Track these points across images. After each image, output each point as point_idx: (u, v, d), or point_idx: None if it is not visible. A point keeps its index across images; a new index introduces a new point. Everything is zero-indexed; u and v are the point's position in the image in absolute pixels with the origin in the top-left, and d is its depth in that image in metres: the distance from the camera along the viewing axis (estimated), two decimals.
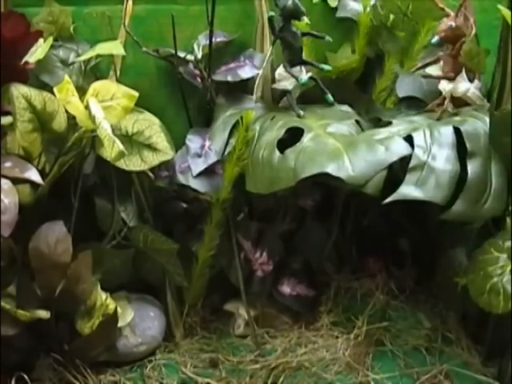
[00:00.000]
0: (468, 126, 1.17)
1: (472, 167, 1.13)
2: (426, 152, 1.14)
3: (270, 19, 1.28)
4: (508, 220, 1.12)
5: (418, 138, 1.16)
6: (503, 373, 1.21)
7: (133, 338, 1.29)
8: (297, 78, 1.28)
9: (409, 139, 1.15)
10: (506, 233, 1.12)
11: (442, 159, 1.13)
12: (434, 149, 1.14)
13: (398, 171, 1.15)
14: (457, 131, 1.16)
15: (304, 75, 1.28)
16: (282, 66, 1.30)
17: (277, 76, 1.32)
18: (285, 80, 1.30)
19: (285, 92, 1.32)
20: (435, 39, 1.25)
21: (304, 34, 1.30)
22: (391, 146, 1.14)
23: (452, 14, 1.25)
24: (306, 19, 1.26)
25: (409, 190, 1.11)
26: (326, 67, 1.31)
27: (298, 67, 1.29)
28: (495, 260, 1.09)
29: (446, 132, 1.16)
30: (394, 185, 1.13)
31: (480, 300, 1.09)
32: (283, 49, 1.29)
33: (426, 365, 1.27)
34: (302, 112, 1.28)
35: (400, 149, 1.14)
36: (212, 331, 1.39)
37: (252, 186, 1.24)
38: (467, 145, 1.15)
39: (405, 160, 1.14)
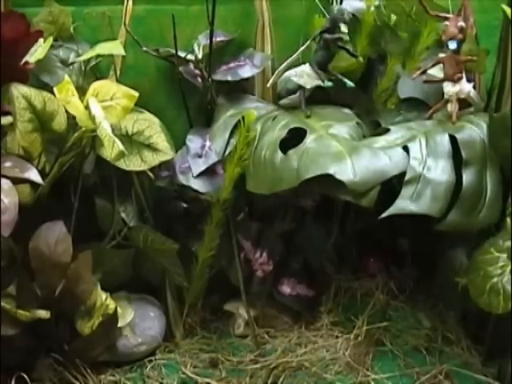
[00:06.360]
0: (464, 134, 1.17)
1: (467, 176, 1.14)
2: (421, 163, 1.14)
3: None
4: (508, 220, 1.12)
5: (413, 148, 1.16)
6: (503, 373, 1.21)
7: (133, 338, 1.29)
8: (323, 80, 1.28)
9: (405, 150, 1.15)
10: (506, 233, 1.11)
11: (438, 170, 1.14)
12: (430, 160, 1.14)
13: (391, 179, 1.14)
14: (453, 139, 1.16)
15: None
16: (308, 63, 1.30)
17: (297, 71, 1.31)
18: (306, 78, 1.30)
19: (298, 89, 1.32)
20: (453, 44, 1.21)
21: (340, 47, 1.29)
22: (393, 158, 1.15)
23: (448, 15, 1.23)
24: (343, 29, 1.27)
25: (405, 204, 1.12)
26: (350, 83, 1.29)
27: (322, 71, 1.29)
28: (495, 260, 1.09)
29: (442, 141, 1.17)
30: (388, 194, 1.13)
31: (480, 300, 1.09)
32: (319, 49, 1.29)
33: (426, 365, 1.27)
34: (309, 112, 1.28)
35: (401, 162, 1.14)
36: (212, 331, 1.39)
37: (253, 187, 1.24)
38: (463, 153, 1.15)
39: None
